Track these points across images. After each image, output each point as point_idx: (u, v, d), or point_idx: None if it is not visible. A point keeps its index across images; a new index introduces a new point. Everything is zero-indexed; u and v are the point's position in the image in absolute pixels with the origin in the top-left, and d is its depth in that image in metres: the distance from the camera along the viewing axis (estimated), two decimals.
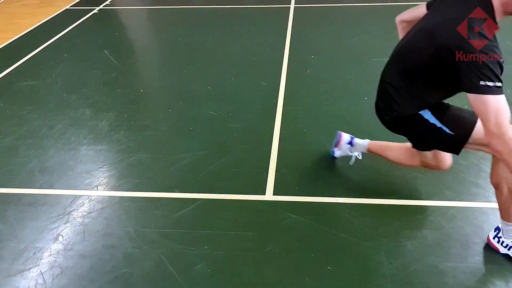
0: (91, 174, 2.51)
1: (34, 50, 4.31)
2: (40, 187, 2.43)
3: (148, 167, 2.55)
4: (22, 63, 4.05)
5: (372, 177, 2.39)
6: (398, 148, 2.25)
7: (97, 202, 2.31)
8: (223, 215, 2.17)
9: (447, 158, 2.05)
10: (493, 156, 1.72)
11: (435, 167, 2.08)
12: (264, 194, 2.30)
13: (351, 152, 2.47)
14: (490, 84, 1.51)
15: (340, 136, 2.49)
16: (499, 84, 1.52)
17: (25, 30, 4.90)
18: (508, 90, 3.18)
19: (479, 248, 1.92)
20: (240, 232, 2.07)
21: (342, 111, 3.02)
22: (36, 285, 1.85)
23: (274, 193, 2.30)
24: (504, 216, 1.82)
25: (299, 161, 2.54)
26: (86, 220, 2.18)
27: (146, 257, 1.96)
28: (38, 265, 1.94)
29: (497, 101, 1.49)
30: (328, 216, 2.14)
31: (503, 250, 1.88)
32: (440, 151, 1.98)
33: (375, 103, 2.02)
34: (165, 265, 1.91)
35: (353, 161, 2.47)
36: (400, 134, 1.98)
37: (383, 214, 2.14)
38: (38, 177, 2.51)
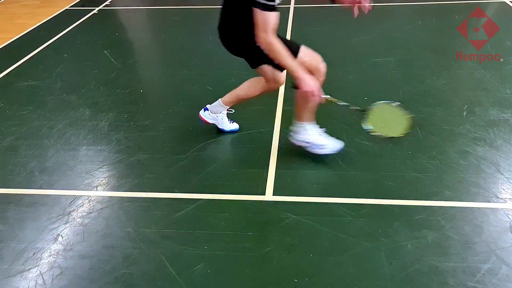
0: (91, 174, 2.51)
1: (34, 50, 4.30)
2: (40, 187, 2.43)
3: (148, 168, 2.55)
4: (22, 63, 4.04)
5: (372, 177, 2.39)
6: (243, 85, 2.67)
7: (97, 202, 2.31)
8: (223, 216, 2.17)
9: (281, 75, 2.47)
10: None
11: (274, 86, 2.53)
12: (264, 195, 2.30)
13: (217, 112, 2.74)
14: (262, 1, 2.02)
15: (200, 116, 2.78)
16: (270, 3, 2.06)
17: (25, 30, 4.90)
18: (508, 90, 3.18)
19: (479, 248, 1.92)
20: (240, 232, 2.07)
21: (341, 111, 3.00)
22: (35, 286, 1.85)
23: (274, 194, 2.30)
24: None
25: (298, 161, 2.54)
26: (86, 221, 2.18)
27: (146, 257, 1.96)
28: (38, 265, 1.94)
29: (264, 14, 2.06)
30: (328, 216, 2.14)
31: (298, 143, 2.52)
32: (275, 71, 2.42)
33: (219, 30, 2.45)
34: (165, 265, 1.91)
35: (224, 118, 2.75)
36: (238, 54, 2.47)
37: (382, 214, 2.14)
38: (38, 177, 2.51)
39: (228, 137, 2.78)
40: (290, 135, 2.59)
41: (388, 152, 2.58)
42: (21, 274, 1.91)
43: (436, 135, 2.70)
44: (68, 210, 2.26)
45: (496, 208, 2.14)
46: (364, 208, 2.17)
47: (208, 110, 2.78)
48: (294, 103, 2.49)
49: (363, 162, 2.51)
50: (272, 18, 2.11)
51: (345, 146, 2.63)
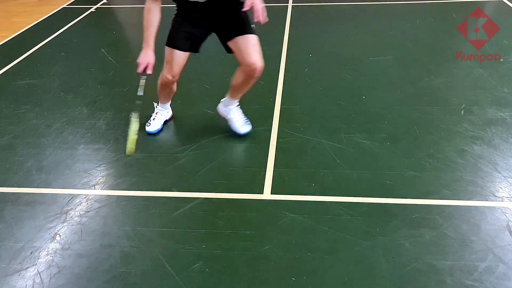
0: (89, 173, 2.51)
1: (31, 49, 4.29)
2: (38, 186, 2.42)
3: (146, 166, 2.55)
4: (19, 61, 4.03)
5: (369, 176, 2.39)
6: (234, 75, 2.64)
7: (95, 201, 2.30)
8: (221, 214, 2.17)
9: (249, 55, 2.42)
10: None
11: (248, 67, 2.46)
12: (262, 193, 2.30)
13: (230, 106, 2.75)
14: None
15: (218, 111, 2.83)
16: None
17: (23, 29, 4.88)
18: (505, 89, 3.18)
19: (476, 246, 1.93)
20: (238, 231, 2.07)
21: (340, 110, 3.02)
22: (33, 285, 1.85)
23: (272, 192, 2.30)
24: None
25: (297, 160, 2.54)
26: (84, 219, 2.18)
27: (144, 256, 1.96)
28: (36, 264, 1.94)
29: None
30: (326, 215, 2.14)
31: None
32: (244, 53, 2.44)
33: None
34: (162, 264, 1.91)
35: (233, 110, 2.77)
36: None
37: (380, 213, 2.14)
38: (35, 176, 2.51)
39: (226, 136, 2.78)
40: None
41: (385, 151, 2.58)
42: (19, 273, 1.90)
43: (433, 134, 2.70)
44: (65, 209, 2.25)
45: (494, 207, 2.15)
46: (361, 207, 2.18)
47: (222, 102, 2.82)
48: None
49: (360, 160, 2.51)
50: None
51: (343, 144, 2.64)
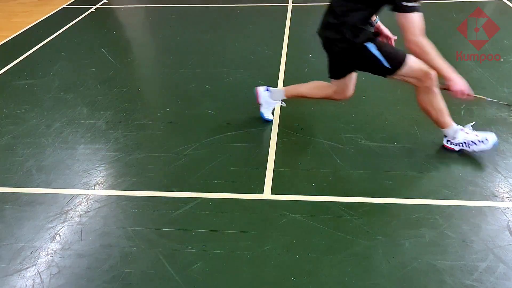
0: (89, 173, 2.51)
1: (31, 49, 4.29)
2: (38, 186, 2.42)
3: (146, 166, 2.55)
4: (19, 61, 4.03)
5: (369, 176, 2.39)
6: (310, 84, 2.69)
7: (95, 201, 2.30)
8: (221, 214, 2.17)
9: (351, 87, 2.54)
10: (415, 88, 2.34)
11: (341, 95, 2.56)
12: (262, 193, 2.30)
13: (273, 99, 2.79)
14: (410, 4, 1.99)
15: (257, 90, 2.82)
16: (417, 5, 2.02)
17: (22, 29, 4.88)
18: (505, 89, 3.18)
19: (477, 246, 1.93)
20: (238, 231, 2.07)
21: (339, 109, 3.02)
22: (33, 285, 1.85)
23: (272, 192, 2.30)
24: (442, 125, 2.44)
25: (297, 160, 2.54)
26: (84, 219, 2.18)
27: (144, 256, 1.96)
28: (36, 264, 1.94)
29: (414, 16, 2.03)
30: (326, 215, 2.14)
31: (457, 148, 2.48)
32: (349, 83, 2.51)
33: (323, 38, 2.38)
34: (162, 264, 1.91)
35: (279, 104, 2.81)
36: (343, 66, 2.44)
37: (380, 213, 2.14)
38: (35, 176, 2.51)
39: (226, 136, 2.78)
40: (446, 143, 2.52)
41: (385, 151, 2.58)
42: (19, 273, 1.90)
43: (434, 134, 2.70)
44: (65, 209, 2.25)
45: (494, 207, 2.15)
46: (362, 207, 2.17)
47: (269, 91, 2.80)
48: (427, 114, 2.43)
49: (361, 161, 2.51)
50: (421, 18, 2.06)
51: (343, 144, 2.64)
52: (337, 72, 2.48)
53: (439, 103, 2.36)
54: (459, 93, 2.13)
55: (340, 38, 2.22)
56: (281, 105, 2.88)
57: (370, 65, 2.27)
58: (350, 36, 2.19)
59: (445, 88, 2.17)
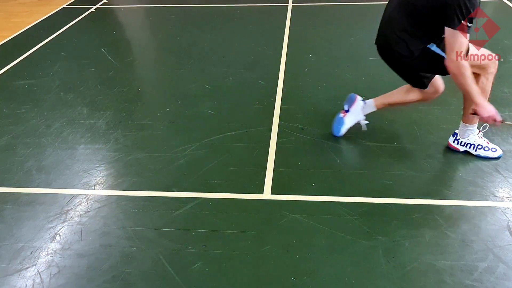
0: (89, 173, 2.51)
1: (31, 49, 4.29)
2: (38, 186, 2.42)
3: (146, 166, 2.55)
4: (19, 61, 4.03)
5: (370, 176, 2.39)
6: (398, 90, 2.60)
7: (95, 201, 2.30)
8: (221, 214, 2.17)
9: (440, 83, 2.47)
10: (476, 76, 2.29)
11: (433, 94, 2.48)
12: (262, 193, 2.30)
13: (362, 113, 2.66)
14: (465, 23, 2.05)
15: (355, 97, 2.69)
16: (469, 25, 2.07)
17: (22, 29, 4.88)
18: (505, 89, 3.18)
19: (477, 246, 1.93)
20: (238, 231, 2.07)
21: (340, 109, 3.01)
22: (33, 285, 1.85)
23: (272, 192, 2.30)
24: (468, 119, 2.43)
25: (297, 160, 2.54)
26: (84, 219, 2.18)
27: (144, 256, 1.95)
28: (36, 264, 1.94)
29: (461, 37, 2.08)
30: (326, 215, 2.14)
31: (462, 149, 2.48)
32: (437, 80, 2.45)
33: (390, 52, 2.37)
34: (162, 264, 1.91)
35: (364, 126, 2.68)
36: (410, 73, 2.41)
37: (380, 213, 2.14)
38: (35, 176, 2.51)
39: (226, 136, 2.78)
40: (453, 142, 2.53)
41: (385, 151, 2.58)
42: (19, 273, 1.90)
43: (434, 134, 2.70)
44: (65, 209, 2.25)
45: (494, 207, 2.15)
46: (362, 207, 2.17)
47: (364, 104, 2.67)
48: (463, 105, 2.44)
49: (361, 161, 2.51)
50: (467, 40, 2.10)
51: (343, 144, 2.64)
52: (420, 81, 2.43)
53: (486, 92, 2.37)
54: (486, 119, 2.17)
55: (406, 55, 2.28)
56: (363, 124, 2.71)
57: (437, 64, 2.23)
58: (415, 51, 2.25)
59: (474, 113, 2.21)
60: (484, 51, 2.32)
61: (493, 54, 2.30)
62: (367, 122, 2.69)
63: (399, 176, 2.38)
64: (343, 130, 2.67)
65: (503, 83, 3.26)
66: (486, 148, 2.46)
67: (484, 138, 2.49)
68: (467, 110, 2.39)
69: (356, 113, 2.67)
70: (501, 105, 2.98)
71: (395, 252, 1.92)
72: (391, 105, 2.65)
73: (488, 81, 2.37)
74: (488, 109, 2.15)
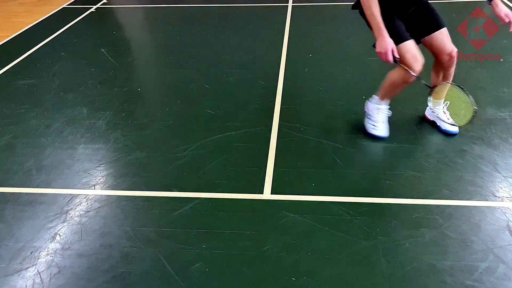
0: (89, 173, 2.51)
1: (31, 49, 4.29)
2: (37, 186, 2.42)
3: (146, 166, 2.55)
4: (19, 61, 4.03)
5: (369, 176, 2.39)
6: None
7: (95, 201, 2.30)
8: (221, 214, 2.17)
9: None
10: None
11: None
12: (262, 193, 2.30)
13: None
14: None
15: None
16: None
17: (22, 29, 4.88)
18: (505, 89, 3.18)
19: (477, 246, 1.93)
20: (238, 231, 2.07)
21: (340, 110, 3.02)
22: (33, 285, 1.85)
23: (272, 192, 2.30)
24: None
25: (297, 160, 2.54)
26: (84, 219, 2.18)
27: (144, 256, 1.96)
28: (36, 264, 1.94)
29: None
30: (326, 215, 2.14)
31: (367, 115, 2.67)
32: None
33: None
34: (162, 264, 1.91)
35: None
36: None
37: (380, 213, 2.14)
38: (35, 176, 2.50)
39: (226, 136, 2.78)
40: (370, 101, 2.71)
41: (385, 150, 2.58)
42: (19, 273, 1.90)
43: (434, 134, 2.70)
44: (65, 208, 2.25)
45: (494, 207, 2.15)
46: (362, 207, 2.17)
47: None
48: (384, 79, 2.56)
49: (361, 160, 2.51)
50: None
51: (343, 144, 2.64)
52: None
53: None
54: (378, 54, 2.24)
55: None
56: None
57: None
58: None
59: (373, 46, 2.28)
60: (412, 54, 2.32)
61: (419, 60, 2.31)
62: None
63: (398, 176, 2.38)
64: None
65: (503, 83, 3.26)
66: (373, 125, 2.65)
67: (384, 112, 2.64)
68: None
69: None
70: (500, 105, 2.98)
71: (395, 252, 1.92)
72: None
73: (399, 75, 2.43)
74: (383, 45, 2.19)
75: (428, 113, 2.82)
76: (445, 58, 2.49)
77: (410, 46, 2.33)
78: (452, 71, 2.56)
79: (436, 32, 2.44)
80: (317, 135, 2.74)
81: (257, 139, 2.74)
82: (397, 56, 2.23)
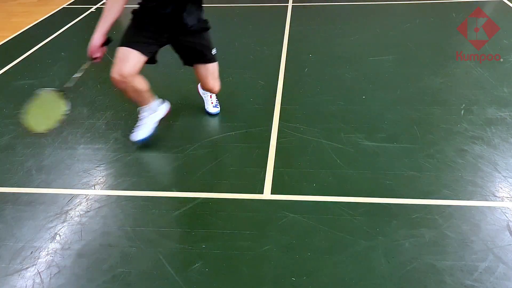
0: (89, 173, 2.51)
1: (31, 49, 4.29)
2: (37, 186, 2.42)
3: (146, 166, 2.55)
4: (19, 61, 4.03)
5: (369, 176, 2.39)
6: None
7: (95, 201, 2.30)
8: (221, 214, 2.17)
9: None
10: None
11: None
12: (262, 193, 2.30)
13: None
14: None
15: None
16: None
17: (22, 29, 4.88)
18: (505, 89, 3.18)
19: (476, 246, 1.93)
20: (238, 231, 2.07)
21: (340, 110, 3.02)
22: (33, 285, 1.85)
23: (272, 192, 2.30)
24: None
25: (297, 160, 2.54)
26: (84, 219, 2.18)
27: (144, 256, 1.96)
28: (36, 264, 1.94)
29: None
30: (326, 215, 2.14)
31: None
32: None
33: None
34: (162, 264, 1.91)
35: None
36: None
37: (380, 213, 2.14)
38: (35, 176, 2.51)
39: (226, 136, 2.78)
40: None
41: (385, 151, 2.58)
42: (19, 273, 1.90)
43: (433, 134, 2.70)
44: (65, 209, 2.25)
45: (494, 207, 2.15)
46: (362, 207, 2.18)
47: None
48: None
49: (360, 160, 2.51)
50: None
51: (343, 144, 2.64)
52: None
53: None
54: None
55: None
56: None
57: None
58: None
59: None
60: (120, 59, 2.61)
61: (121, 68, 2.54)
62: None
63: (398, 176, 2.38)
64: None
65: (503, 82, 3.26)
66: (140, 123, 2.71)
67: (146, 119, 2.69)
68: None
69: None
70: (500, 105, 2.98)
71: (395, 252, 1.92)
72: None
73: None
74: (91, 43, 2.39)
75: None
76: (205, 87, 2.78)
77: (124, 53, 2.54)
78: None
79: (200, 65, 2.64)
80: (317, 135, 2.74)
81: (257, 139, 2.74)
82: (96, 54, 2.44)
